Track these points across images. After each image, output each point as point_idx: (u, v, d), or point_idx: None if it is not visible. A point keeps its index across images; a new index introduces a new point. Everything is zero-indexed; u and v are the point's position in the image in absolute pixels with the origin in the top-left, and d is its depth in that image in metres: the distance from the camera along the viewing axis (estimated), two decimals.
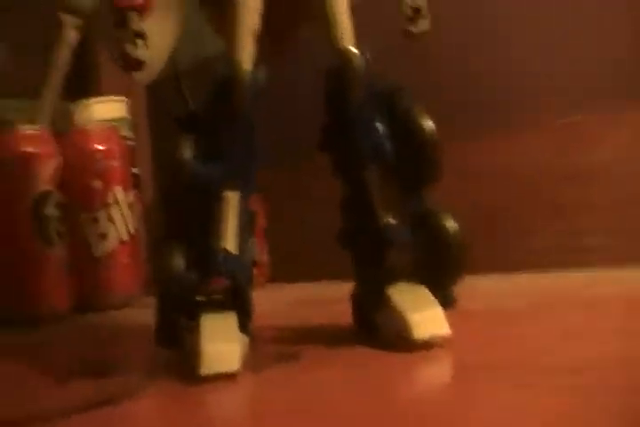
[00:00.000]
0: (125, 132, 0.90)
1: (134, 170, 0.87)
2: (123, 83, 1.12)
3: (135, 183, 0.84)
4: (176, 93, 1.15)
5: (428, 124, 0.49)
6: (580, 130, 0.80)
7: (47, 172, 0.74)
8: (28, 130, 0.78)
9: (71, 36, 1.08)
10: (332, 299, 0.60)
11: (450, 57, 0.88)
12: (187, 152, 0.48)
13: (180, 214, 0.47)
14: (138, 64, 0.51)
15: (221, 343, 0.43)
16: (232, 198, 0.47)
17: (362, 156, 0.50)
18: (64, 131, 0.83)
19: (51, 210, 0.74)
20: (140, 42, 0.50)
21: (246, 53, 0.50)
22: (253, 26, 0.51)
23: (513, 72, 0.85)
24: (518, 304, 0.59)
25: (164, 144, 1.19)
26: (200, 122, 0.49)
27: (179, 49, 0.54)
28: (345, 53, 0.50)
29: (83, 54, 1.23)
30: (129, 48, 0.50)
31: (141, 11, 0.50)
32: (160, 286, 0.45)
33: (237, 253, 0.46)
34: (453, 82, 0.88)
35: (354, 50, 0.50)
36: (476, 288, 0.59)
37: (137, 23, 0.50)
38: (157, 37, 0.52)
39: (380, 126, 0.50)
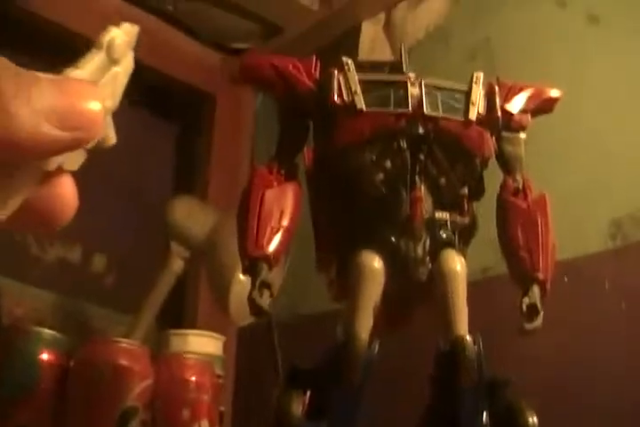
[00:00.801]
0: (218, 369, 0.92)
1: (221, 408, 0.88)
2: (218, 321, 1.17)
3: (220, 420, 0.86)
4: (268, 341, 1.19)
5: (533, 421, 0.51)
6: None
7: (138, 389, 0.76)
8: (126, 344, 0.81)
9: (177, 264, 1.14)
10: None
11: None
12: (294, 407, 0.49)
13: None
14: (260, 311, 0.53)
15: None
16: None
17: None
18: (157, 355, 0.85)
19: (134, 426, 0.75)
20: (265, 292, 0.53)
21: (364, 324, 0.53)
22: (375, 299, 0.54)
23: None
24: None
25: (246, 386, 1.21)
26: (312, 380, 0.51)
27: (276, 300, 0.55)
28: (458, 340, 0.52)
29: (184, 285, 1.29)
30: (255, 295, 0.52)
31: (272, 263, 0.54)
32: None
33: None
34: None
35: (467, 337, 0.53)
36: None
37: (266, 274, 0.53)
38: None
39: (484, 415, 0.51)
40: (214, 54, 1.46)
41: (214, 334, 0.99)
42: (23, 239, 1.26)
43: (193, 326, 1.22)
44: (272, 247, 0.53)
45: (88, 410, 0.76)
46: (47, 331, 0.80)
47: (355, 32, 1.34)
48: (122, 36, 0.33)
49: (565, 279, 0.93)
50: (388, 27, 1.35)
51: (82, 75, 0.32)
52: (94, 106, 0.31)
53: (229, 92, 1.45)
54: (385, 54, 1.32)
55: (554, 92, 0.63)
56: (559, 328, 0.82)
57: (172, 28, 1.41)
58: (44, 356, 0.77)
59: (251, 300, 0.52)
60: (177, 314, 1.31)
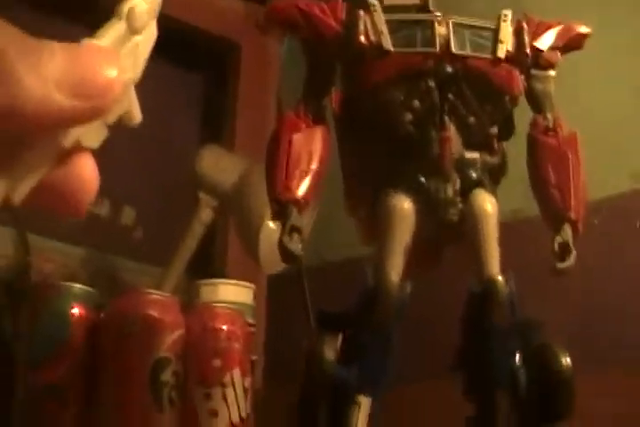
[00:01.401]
0: (249, 318, 0.92)
1: (253, 357, 0.88)
2: (248, 269, 1.17)
3: (252, 370, 0.86)
4: (297, 288, 1.19)
5: (567, 362, 0.50)
6: None
7: (169, 339, 0.76)
8: (157, 295, 0.81)
9: (206, 214, 1.14)
10: None
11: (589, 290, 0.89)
12: (328, 352, 0.49)
13: (313, 412, 0.49)
14: (292, 257, 0.53)
15: None
16: (364, 404, 0.48)
17: (496, 380, 0.51)
18: (187, 305, 0.85)
19: (167, 377, 0.76)
20: (296, 236, 0.52)
21: (395, 266, 0.52)
22: (406, 241, 0.54)
23: None
24: None
25: (278, 334, 1.22)
26: (343, 324, 0.51)
27: (305, 247, 0.55)
28: (491, 281, 0.52)
29: (213, 235, 1.29)
30: (286, 240, 0.52)
31: (302, 207, 0.53)
32: None
33: None
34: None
35: (500, 278, 0.53)
36: None
37: (296, 218, 0.53)
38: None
39: (517, 356, 0.51)
40: (238, 2, 1.44)
41: (244, 283, 0.99)
42: None
43: (223, 276, 1.22)
44: (302, 191, 0.53)
45: (119, 363, 0.76)
46: (77, 286, 0.80)
47: None
48: (143, 3, 0.32)
49: (595, 221, 0.92)
50: None
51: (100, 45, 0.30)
52: (110, 73, 0.29)
53: (254, 41, 1.44)
54: None
55: (583, 29, 0.62)
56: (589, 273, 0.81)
57: None
58: (75, 311, 0.77)
59: (281, 244, 0.52)
60: (207, 264, 1.31)
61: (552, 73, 0.61)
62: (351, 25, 0.57)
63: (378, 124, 0.57)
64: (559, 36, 0.61)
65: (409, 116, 0.56)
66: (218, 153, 1.20)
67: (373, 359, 0.50)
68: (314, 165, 0.54)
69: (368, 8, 0.58)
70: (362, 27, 0.57)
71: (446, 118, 0.56)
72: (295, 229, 0.52)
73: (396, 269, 0.52)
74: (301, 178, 0.53)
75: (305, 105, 0.57)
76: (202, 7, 1.39)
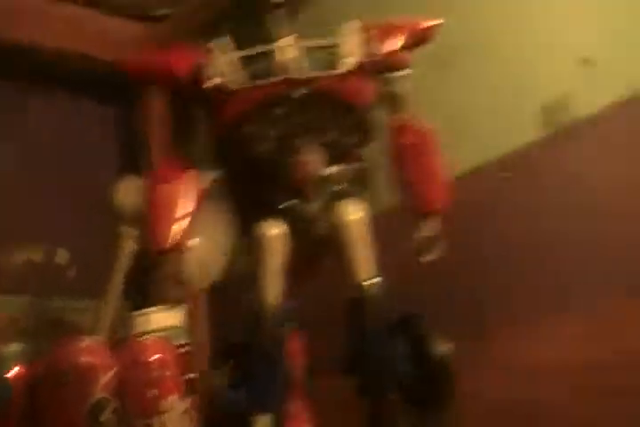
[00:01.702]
0: (181, 339, 0.94)
1: (191, 375, 0.90)
2: (180, 292, 1.19)
3: (192, 388, 0.88)
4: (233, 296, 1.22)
5: (443, 349, 0.55)
6: None
7: (103, 381, 0.79)
8: (85, 342, 0.83)
9: (129, 245, 1.16)
10: None
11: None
12: (219, 378, 0.54)
13: None
14: (177, 301, 0.57)
15: None
16: (262, 422, 0.53)
17: (383, 378, 0.55)
18: (124, 337, 0.88)
19: (106, 416, 0.79)
20: (178, 281, 0.59)
21: (272, 289, 0.57)
22: (280, 264, 0.58)
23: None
24: None
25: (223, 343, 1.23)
26: (234, 351, 0.55)
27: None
28: (360, 287, 0.57)
29: (141, 263, 1.30)
30: (167, 288, 0.58)
31: (176, 253, 0.58)
32: None
33: None
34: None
35: (368, 282, 0.57)
36: None
37: (174, 266, 0.58)
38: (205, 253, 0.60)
39: (397, 351, 0.56)
40: (138, 26, 1.43)
41: (173, 307, 1.01)
42: None
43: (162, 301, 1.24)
44: (172, 239, 0.57)
45: (59, 411, 0.78)
46: (13, 346, 0.83)
47: None
48: None
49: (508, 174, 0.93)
50: None
51: None
52: None
53: None
54: None
55: (430, 22, 0.64)
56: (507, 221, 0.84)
57: (88, 9, 1.37)
58: (14, 371, 0.81)
59: (170, 292, 0.57)
60: (140, 295, 1.33)
61: (407, 72, 0.64)
62: (198, 71, 0.61)
63: (241, 156, 0.61)
64: (408, 34, 0.63)
65: (265, 146, 0.59)
66: (135, 184, 1.21)
67: (262, 380, 0.54)
68: (181, 212, 0.58)
69: (211, 50, 0.61)
70: (208, 71, 0.60)
71: (302, 141, 0.59)
72: (176, 275, 0.57)
73: (273, 292, 0.56)
74: (168, 227, 0.57)
75: (173, 153, 0.61)
76: (100, 37, 1.36)
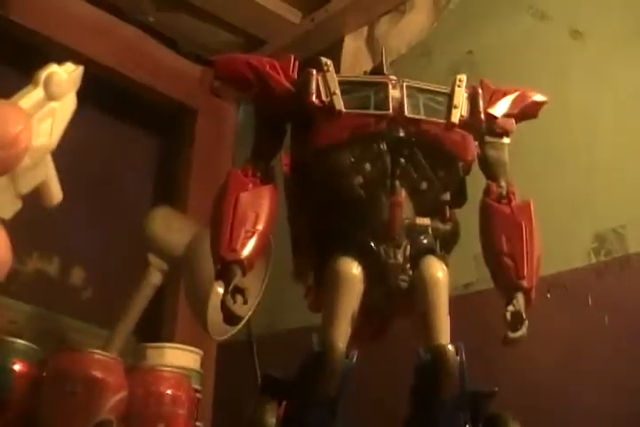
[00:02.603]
0: (195, 383, 0.90)
1: (198, 423, 0.86)
2: (196, 335, 1.15)
3: None
4: (246, 356, 1.17)
5: None
6: None
7: (112, 401, 0.74)
8: (100, 355, 0.78)
9: (155, 277, 1.12)
10: None
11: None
12: (268, 417, 0.48)
13: None
14: (234, 318, 0.51)
15: None
16: None
17: None
18: (132, 368, 0.83)
19: None
20: (239, 297, 0.51)
21: (342, 333, 0.51)
22: (353, 307, 0.52)
23: None
24: None
25: (225, 401, 1.19)
26: (286, 391, 0.50)
27: (256, 314, 0.54)
28: (440, 349, 0.51)
29: (163, 298, 1.27)
30: (228, 301, 0.51)
31: (245, 268, 0.52)
32: None
33: None
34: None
35: (450, 346, 0.51)
36: None
37: (239, 278, 0.51)
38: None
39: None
40: (195, 67, 1.44)
41: (191, 348, 0.97)
42: None
43: (171, 340, 1.19)
44: (246, 251, 0.52)
45: (60, 421, 0.73)
46: (20, 341, 0.78)
47: (337, 46, 1.33)
48: (62, 73, 0.32)
49: (548, 295, 0.91)
50: (371, 41, 1.34)
51: None
52: (15, 127, 0.28)
53: (210, 105, 1.44)
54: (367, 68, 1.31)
55: (538, 97, 0.62)
56: (543, 344, 0.80)
57: (152, 40, 1.40)
58: (17, 366, 0.75)
59: (224, 305, 0.51)
60: (155, 327, 1.29)
61: (507, 140, 0.60)
62: (303, 84, 0.56)
63: (327, 186, 0.56)
64: (514, 103, 0.61)
65: (359, 180, 0.55)
66: (169, 215, 1.18)
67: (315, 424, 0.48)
68: (260, 226, 0.53)
69: (321, 67, 0.57)
70: (314, 86, 0.56)
71: (397, 183, 0.55)
72: (238, 290, 0.51)
73: (342, 336, 0.51)
74: (246, 239, 0.52)
75: (253, 164, 0.56)
76: (158, 70, 1.40)
